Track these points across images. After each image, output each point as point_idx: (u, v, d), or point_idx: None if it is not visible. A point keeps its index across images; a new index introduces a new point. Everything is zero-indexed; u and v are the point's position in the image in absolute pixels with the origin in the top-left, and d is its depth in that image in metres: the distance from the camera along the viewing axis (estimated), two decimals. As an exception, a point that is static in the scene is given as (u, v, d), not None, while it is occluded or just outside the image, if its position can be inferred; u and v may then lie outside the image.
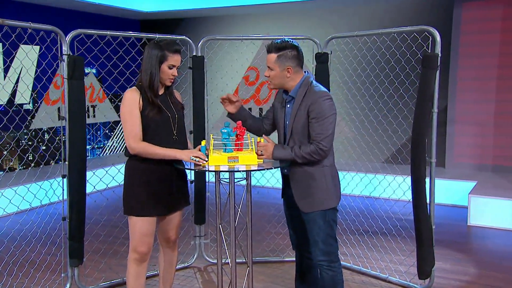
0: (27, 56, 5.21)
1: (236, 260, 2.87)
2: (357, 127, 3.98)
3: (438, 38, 3.31)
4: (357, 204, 5.15)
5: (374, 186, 4.61)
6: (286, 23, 7.85)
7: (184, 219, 4.71)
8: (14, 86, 6.62)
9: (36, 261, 3.98)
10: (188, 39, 4.08)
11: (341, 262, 4.09)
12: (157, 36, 3.86)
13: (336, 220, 2.87)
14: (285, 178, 2.95)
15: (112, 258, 4.22)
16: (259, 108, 8.18)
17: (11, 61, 6.35)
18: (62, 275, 3.60)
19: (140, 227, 2.79)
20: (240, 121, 2.88)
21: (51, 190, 3.94)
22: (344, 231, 4.70)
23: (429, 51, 3.34)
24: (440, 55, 3.29)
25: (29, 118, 6.92)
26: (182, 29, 8.54)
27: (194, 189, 4.13)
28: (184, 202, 2.99)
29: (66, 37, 3.44)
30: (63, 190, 3.53)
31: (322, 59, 4.07)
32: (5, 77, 6.60)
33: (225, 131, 2.76)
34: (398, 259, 4.21)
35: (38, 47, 6.23)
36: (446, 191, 6.09)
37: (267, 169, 2.73)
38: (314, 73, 4.10)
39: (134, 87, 2.78)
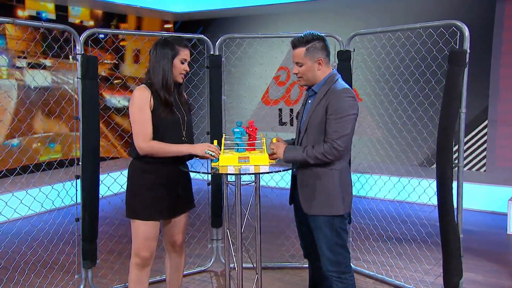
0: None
1: (252, 266, 2.76)
2: (380, 129, 3.77)
3: (466, 33, 3.07)
4: (380, 208, 4.90)
5: (398, 190, 4.36)
6: (309, 21, 7.67)
7: (201, 221, 4.68)
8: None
9: (49, 261, 3.97)
10: (205, 38, 3.99)
11: (364, 270, 3.95)
12: (173, 34, 3.80)
13: (346, 228, 2.69)
14: (294, 180, 2.82)
15: (127, 260, 4.15)
16: (290, 109, 8.01)
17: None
18: (76, 276, 3.59)
19: (144, 231, 2.71)
20: (252, 120, 2.77)
21: (64, 192, 3.92)
22: (367, 237, 4.48)
23: (457, 47, 3.11)
24: (468, 51, 3.05)
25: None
26: (215, 30, 8.49)
27: (211, 191, 4.04)
28: (189, 205, 2.91)
29: (80, 37, 3.43)
30: (76, 190, 3.51)
31: (344, 57, 3.89)
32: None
33: (238, 130, 2.66)
34: (424, 268, 3.96)
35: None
36: (486, 196, 5.75)
37: (275, 172, 2.60)
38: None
39: (143, 86, 2.69)
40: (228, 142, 2.73)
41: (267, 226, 5.15)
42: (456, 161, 3.17)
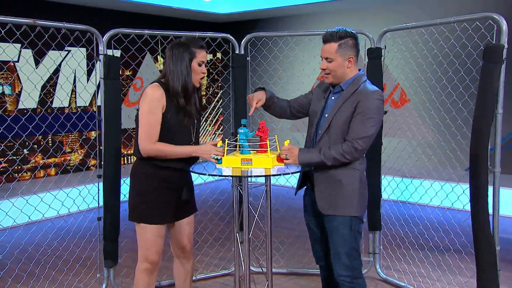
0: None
1: (272, 270, 2.70)
2: (411, 130, 3.54)
3: (504, 26, 2.83)
4: (412, 214, 4.63)
5: (430, 196, 4.08)
6: (338, 20, 7.48)
7: (225, 224, 4.61)
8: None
9: (70, 259, 4.00)
10: (231, 37, 3.91)
11: (395, 280, 3.74)
12: (197, 34, 3.76)
13: (362, 232, 2.60)
14: (308, 179, 2.72)
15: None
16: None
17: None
18: (98, 275, 3.61)
19: (152, 234, 2.64)
20: (264, 121, 2.67)
21: (88, 194, 3.96)
22: (398, 245, 4.24)
23: (494, 42, 2.86)
24: (506, 46, 2.80)
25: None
26: (246, 31, 8.44)
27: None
28: (192, 209, 2.85)
29: (103, 37, 3.45)
30: (98, 190, 3.54)
31: (374, 54, 3.70)
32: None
33: (242, 131, 2.56)
34: (458, 281, 3.69)
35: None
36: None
37: (284, 174, 2.49)
38: (366, 70, 3.74)
39: (157, 84, 2.59)
40: (236, 143, 2.62)
41: (294, 230, 5.01)
42: (492, 166, 2.92)
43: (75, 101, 7.08)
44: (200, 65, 2.62)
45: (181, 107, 2.58)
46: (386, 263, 4.06)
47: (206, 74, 2.71)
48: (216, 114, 8.11)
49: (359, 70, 2.60)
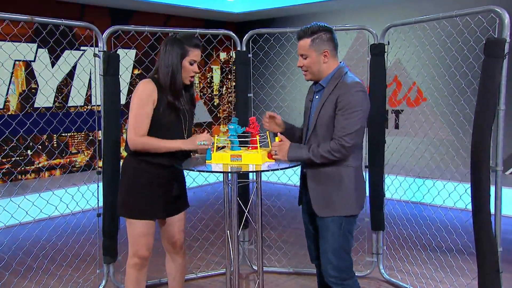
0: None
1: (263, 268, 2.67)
2: (414, 127, 3.43)
3: (506, 20, 2.74)
4: (414, 213, 4.52)
5: (433, 195, 3.96)
6: (344, 18, 7.38)
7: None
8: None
9: (69, 255, 4.01)
10: (232, 34, 3.89)
11: (398, 281, 3.66)
12: (198, 30, 3.74)
13: (353, 232, 2.53)
14: (304, 179, 2.66)
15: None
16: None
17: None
18: (98, 271, 3.62)
19: (142, 230, 2.63)
20: (254, 118, 2.65)
21: (88, 191, 3.98)
22: (401, 246, 4.15)
23: (496, 36, 2.77)
24: (508, 40, 2.71)
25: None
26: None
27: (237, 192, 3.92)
28: (184, 205, 2.83)
29: (102, 34, 3.46)
30: (97, 186, 3.55)
31: (377, 50, 3.63)
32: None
33: (232, 127, 2.54)
34: (461, 282, 3.59)
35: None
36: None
37: (273, 170, 2.46)
38: (368, 67, 3.68)
39: (149, 79, 2.57)
40: (229, 139, 2.60)
41: (297, 229, 4.96)
42: (494, 165, 2.83)
43: (90, 100, 7.13)
44: (191, 64, 2.58)
45: (171, 103, 2.56)
46: (390, 263, 3.98)
47: (197, 73, 2.67)
48: (231, 112, 8.15)
49: (340, 62, 2.55)
